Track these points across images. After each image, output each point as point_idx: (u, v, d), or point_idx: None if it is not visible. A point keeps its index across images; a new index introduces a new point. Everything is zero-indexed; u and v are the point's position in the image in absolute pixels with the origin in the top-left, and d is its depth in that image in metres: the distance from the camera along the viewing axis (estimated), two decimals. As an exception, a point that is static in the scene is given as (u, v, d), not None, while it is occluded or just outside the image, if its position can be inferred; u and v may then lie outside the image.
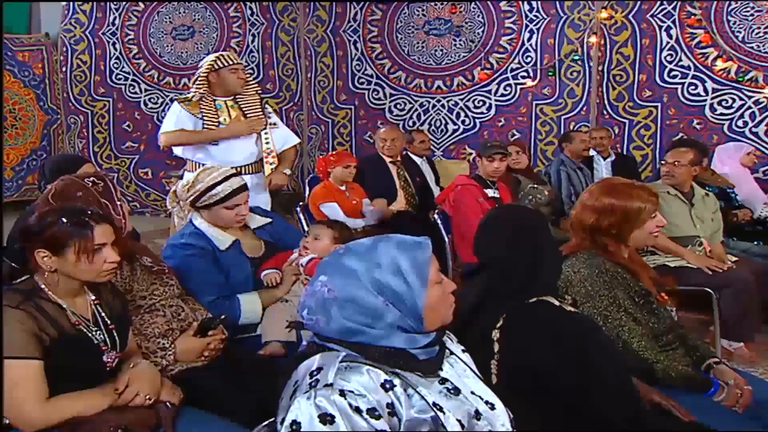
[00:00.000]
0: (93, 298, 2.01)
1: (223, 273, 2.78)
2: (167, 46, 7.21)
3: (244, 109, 4.17)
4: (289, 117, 7.27)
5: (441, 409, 1.38)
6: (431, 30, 6.99)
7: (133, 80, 7.33)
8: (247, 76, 4.23)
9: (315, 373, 1.35)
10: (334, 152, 5.40)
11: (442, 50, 6.97)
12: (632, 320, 2.23)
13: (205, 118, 4.09)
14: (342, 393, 1.30)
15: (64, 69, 7.36)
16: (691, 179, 4.08)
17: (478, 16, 6.82)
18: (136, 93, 7.53)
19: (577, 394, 1.70)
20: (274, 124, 4.29)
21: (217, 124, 4.10)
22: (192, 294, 2.62)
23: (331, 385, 1.31)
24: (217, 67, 4.11)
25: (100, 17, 7.18)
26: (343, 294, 1.42)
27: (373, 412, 1.30)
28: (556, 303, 1.87)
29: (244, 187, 2.89)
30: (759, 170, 5.80)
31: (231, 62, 4.14)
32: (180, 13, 7.26)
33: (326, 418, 1.26)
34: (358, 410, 1.29)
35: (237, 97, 4.18)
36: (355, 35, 7.19)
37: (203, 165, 4.00)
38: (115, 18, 7.19)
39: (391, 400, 1.35)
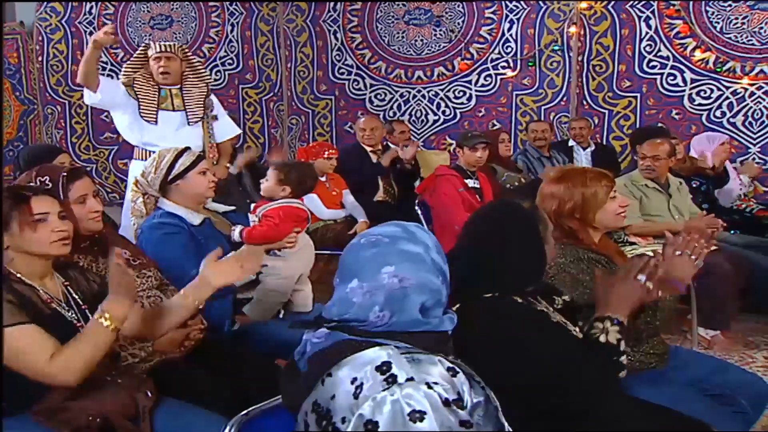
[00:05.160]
0: (63, 280, 2.01)
1: (201, 248, 2.77)
2: (145, 35, 7.12)
3: (185, 99, 4.15)
4: (269, 108, 7.23)
5: (484, 387, 1.36)
6: (411, 20, 6.97)
7: (111, 70, 7.21)
8: (172, 65, 4.13)
9: (384, 369, 1.26)
10: (314, 143, 5.38)
11: (422, 40, 6.96)
12: None
13: (141, 101, 4.09)
14: (429, 385, 1.24)
15: (40, 58, 7.26)
16: (668, 170, 4.12)
17: (458, 6, 6.81)
18: (114, 83, 7.44)
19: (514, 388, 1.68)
20: (215, 116, 4.25)
21: (155, 110, 4.09)
22: (177, 272, 2.59)
23: (412, 378, 1.24)
24: (148, 55, 4.16)
25: (76, 6, 7.08)
26: (415, 279, 1.37)
27: (458, 402, 1.26)
28: (519, 300, 1.82)
29: (204, 156, 3.01)
30: (736, 160, 5.85)
31: (157, 50, 4.12)
32: (158, 2, 7.19)
33: (416, 415, 1.19)
34: (447, 402, 1.24)
35: (183, 86, 4.16)
36: (335, 25, 7.15)
37: (146, 150, 4.10)
38: (91, 7, 7.09)
39: (458, 386, 1.31)
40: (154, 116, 4.11)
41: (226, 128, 4.37)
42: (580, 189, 2.41)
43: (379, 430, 1.20)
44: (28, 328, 1.77)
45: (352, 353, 1.31)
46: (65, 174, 2.27)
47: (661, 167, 4.02)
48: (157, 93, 4.13)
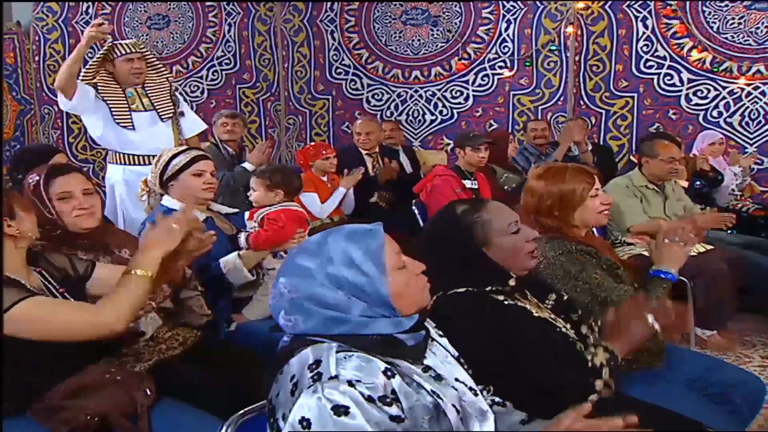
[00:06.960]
0: (36, 269, 1.99)
1: None
2: (142, 35, 7.09)
3: (151, 97, 4.13)
4: (267, 107, 7.22)
5: (439, 396, 1.35)
6: (408, 20, 6.97)
7: (107, 70, 7.22)
8: (143, 65, 4.13)
9: (314, 366, 1.30)
10: (311, 144, 5.38)
11: (419, 40, 6.96)
12: (615, 282, 2.27)
13: (112, 108, 4.02)
14: (350, 383, 1.25)
15: (37, 58, 7.23)
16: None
17: (456, 6, 6.81)
18: (111, 83, 7.41)
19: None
20: (182, 113, 4.26)
21: (128, 113, 4.05)
22: None
23: (336, 377, 1.26)
24: (111, 56, 4.06)
25: (72, 6, 7.05)
26: (303, 293, 1.37)
27: (384, 399, 1.26)
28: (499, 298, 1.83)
29: (205, 157, 2.97)
30: (733, 159, 5.87)
31: (126, 51, 4.06)
32: (155, 2, 7.17)
33: (340, 410, 1.21)
34: (370, 399, 1.25)
35: (145, 85, 4.14)
36: (332, 25, 7.15)
37: (125, 154, 4.08)
38: (88, 7, 7.05)
39: (393, 387, 1.31)
40: (130, 121, 4.06)
41: (192, 124, 4.36)
42: (559, 186, 2.40)
43: (312, 428, 1.22)
44: (44, 297, 1.78)
45: (298, 350, 1.36)
46: (47, 171, 2.31)
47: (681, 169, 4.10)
48: (124, 95, 4.09)
